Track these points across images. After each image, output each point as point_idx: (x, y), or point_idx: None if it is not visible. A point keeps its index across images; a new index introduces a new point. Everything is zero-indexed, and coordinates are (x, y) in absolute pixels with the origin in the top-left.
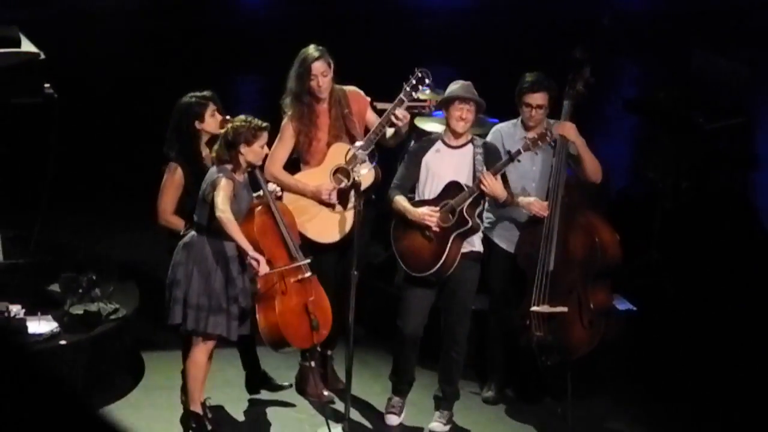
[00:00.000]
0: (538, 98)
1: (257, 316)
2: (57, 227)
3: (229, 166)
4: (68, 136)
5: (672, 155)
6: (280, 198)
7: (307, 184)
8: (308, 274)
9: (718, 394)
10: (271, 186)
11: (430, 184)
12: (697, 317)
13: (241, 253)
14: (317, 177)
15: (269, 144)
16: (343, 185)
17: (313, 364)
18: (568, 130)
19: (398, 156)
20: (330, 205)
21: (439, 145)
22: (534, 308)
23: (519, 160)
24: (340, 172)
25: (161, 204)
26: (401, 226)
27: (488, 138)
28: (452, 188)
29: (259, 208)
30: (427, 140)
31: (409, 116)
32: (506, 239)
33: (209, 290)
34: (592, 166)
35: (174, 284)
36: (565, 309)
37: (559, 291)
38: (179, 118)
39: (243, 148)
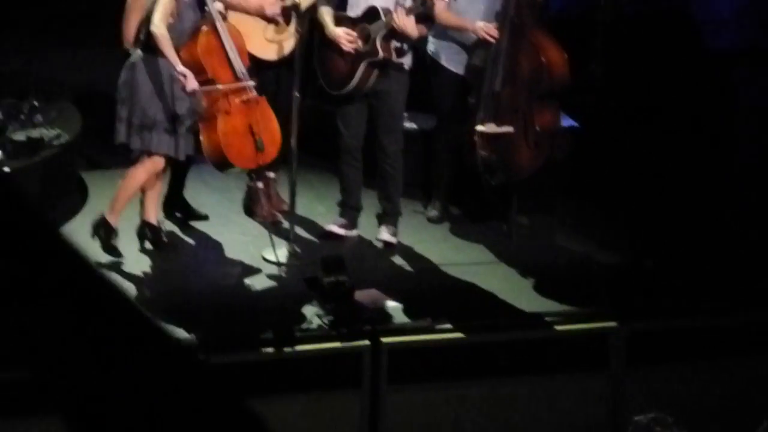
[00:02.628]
0: None
1: (200, 135)
2: None
3: None
4: None
5: None
6: (225, 18)
7: (250, 0)
8: (253, 94)
9: (659, 207)
10: (218, 5)
11: (362, 2)
12: (640, 130)
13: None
14: None
15: None
16: (287, 2)
17: (260, 185)
18: None
19: None
20: (273, 23)
21: None
22: (479, 128)
23: None
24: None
25: (126, 28)
26: (320, 39)
27: None
28: (372, 14)
29: (204, 27)
30: None
31: None
32: (454, 62)
33: (155, 108)
34: None
35: (119, 103)
36: (510, 129)
37: (505, 111)
38: None
39: None
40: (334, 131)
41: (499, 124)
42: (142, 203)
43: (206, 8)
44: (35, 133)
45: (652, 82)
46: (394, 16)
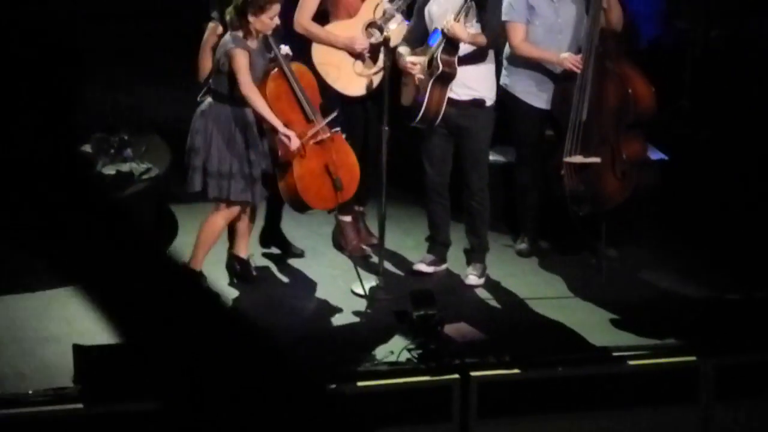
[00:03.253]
0: None
1: (278, 180)
2: (87, 87)
3: (240, 33)
4: None
5: (702, 2)
6: (291, 59)
7: (339, 36)
8: (327, 134)
9: (751, 240)
10: (284, 48)
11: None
12: (729, 165)
13: (263, 123)
14: (348, 29)
15: None
16: (374, 40)
17: (349, 219)
18: None
19: None
20: (361, 59)
21: None
22: (567, 159)
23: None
24: (372, 26)
25: (201, 69)
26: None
27: None
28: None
29: (273, 72)
30: None
31: None
32: (534, 95)
33: (230, 156)
34: (617, 14)
35: (192, 152)
36: (598, 159)
37: (592, 141)
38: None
39: (251, 17)
40: (420, 168)
41: (586, 154)
42: (230, 238)
43: (273, 53)
44: (125, 167)
45: (741, 116)
46: (444, 22)
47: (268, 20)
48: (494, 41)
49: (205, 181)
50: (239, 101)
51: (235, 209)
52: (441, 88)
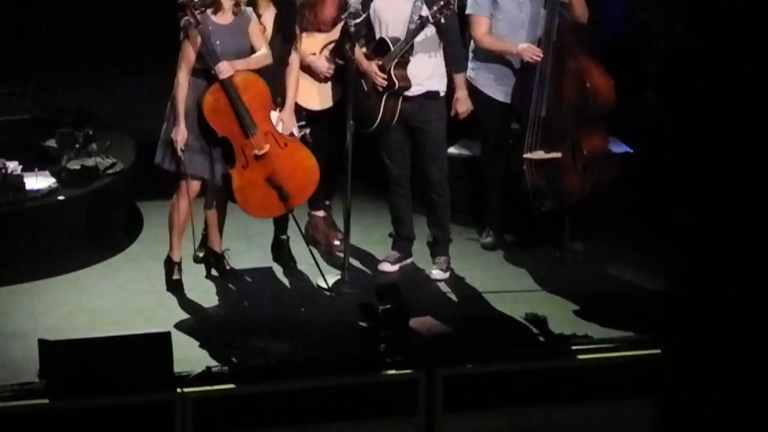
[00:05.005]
0: None
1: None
2: (52, 83)
3: (210, 11)
4: None
5: None
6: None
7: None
8: (265, 149)
9: (718, 232)
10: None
11: (381, 33)
12: (694, 157)
13: None
14: (314, 45)
15: None
16: (339, 60)
17: (322, 213)
18: None
19: None
20: (320, 76)
21: None
22: (527, 155)
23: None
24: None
25: None
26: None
27: None
28: (382, 46)
29: (213, 85)
30: None
31: None
32: (493, 88)
33: (189, 131)
34: (580, 7)
35: (166, 126)
36: (558, 154)
37: (552, 137)
38: None
39: None
40: (381, 163)
41: (546, 150)
42: (205, 233)
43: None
44: (90, 161)
45: (707, 108)
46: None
47: None
48: (455, 34)
49: (164, 154)
50: (199, 74)
51: (195, 187)
52: (395, 99)
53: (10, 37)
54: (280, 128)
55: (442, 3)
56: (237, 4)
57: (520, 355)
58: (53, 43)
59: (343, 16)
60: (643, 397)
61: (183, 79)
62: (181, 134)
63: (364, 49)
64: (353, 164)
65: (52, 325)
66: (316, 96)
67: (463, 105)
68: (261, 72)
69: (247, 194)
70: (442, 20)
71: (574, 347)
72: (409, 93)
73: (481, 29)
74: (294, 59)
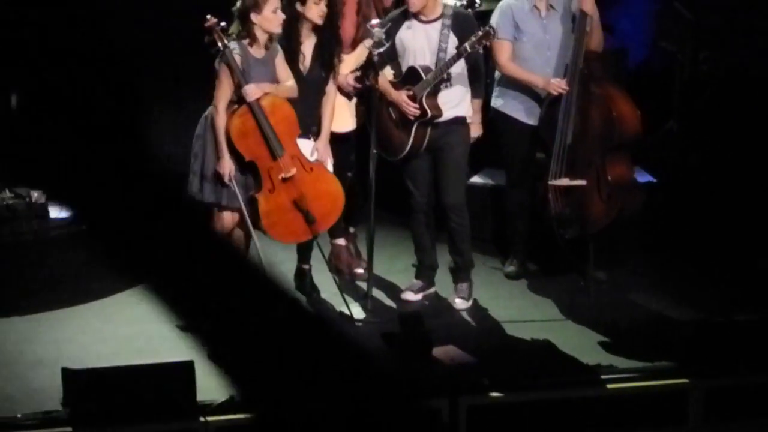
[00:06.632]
0: None
1: (251, 215)
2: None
3: (246, 41)
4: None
5: (689, 25)
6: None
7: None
8: (292, 172)
9: (739, 263)
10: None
11: (409, 62)
12: (718, 187)
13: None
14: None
15: None
16: (366, 81)
17: (343, 242)
18: (587, 3)
19: None
20: (348, 98)
21: (411, 20)
22: (552, 182)
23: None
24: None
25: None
26: (378, 104)
27: (496, 14)
28: (413, 75)
29: (240, 108)
30: (401, 14)
31: None
32: (523, 111)
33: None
34: (597, 37)
35: (193, 156)
36: (583, 182)
37: (577, 164)
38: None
39: (254, 17)
40: (405, 190)
41: (572, 177)
42: None
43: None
44: None
45: (730, 139)
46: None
47: (271, 14)
48: (479, 62)
49: (202, 186)
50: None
51: (228, 217)
52: (425, 127)
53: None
54: (314, 158)
55: (481, 34)
56: (270, 39)
57: (545, 384)
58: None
59: (367, 46)
60: (671, 427)
61: (222, 109)
62: (228, 166)
63: (391, 77)
64: (377, 192)
65: (76, 353)
66: (338, 117)
67: (476, 130)
68: (297, 101)
69: (274, 218)
70: (481, 50)
71: (600, 376)
72: (440, 119)
73: (504, 54)
74: (331, 89)
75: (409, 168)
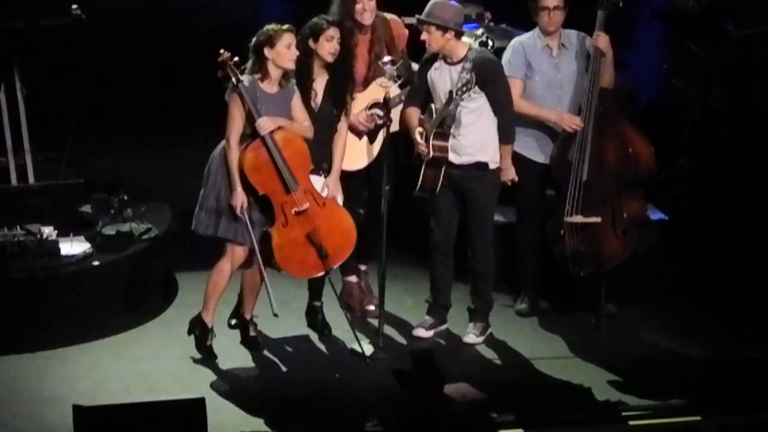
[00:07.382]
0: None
1: (263, 250)
2: (87, 149)
3: (258, 75)
4: (99, 57)
5: (701, 63)
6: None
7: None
8: (306, 205)
9: (753, 302)
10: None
11: (436, 102)
12: (730, 225)
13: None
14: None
15: None
16: (379, 120)
17: (355, 279)
18: (602, 41)
19: None
20: (359, 136)
21: (439, 61)
22: (568, 219)
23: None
24: (376, 106)
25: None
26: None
27: (508, 52)
28: (430, 115)
29: (253, 142)
30: (433, 54)
31: None
32: (533, 149)
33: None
34: (610, 75)
35: (205, 192)
36: (598, 219)
37: (592, 201)
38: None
39: (267, 51)
40: (426, 228)
41: (587, 214)
42: (239, 298)
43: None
44: (125, 227)
45: (741, 176)
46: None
47: (285, 49)
48: (503, 107)
49: (217, 222)
50: (245, 141)
51: (241, 253)
52: (436, 168)
53: (45, 103)
54: (325, 194)
55: (464, 81)
56: (285, 77)
57: (558, 421)
58: (88, 109)
59: (379, 83)
60: None
61: (234, 142)
62: (240, 198)
63: (422, 116)
64: (388, 230)
65: (87, 390)
66: (357, 156)
67: (506, 175)
68: (308, 138)
69: (287, 253)
70: (463, 99)
71: (612, 413)
72: (457, 161)
73: (515, 92)
74: (342, 126)
75: (433, 206)
